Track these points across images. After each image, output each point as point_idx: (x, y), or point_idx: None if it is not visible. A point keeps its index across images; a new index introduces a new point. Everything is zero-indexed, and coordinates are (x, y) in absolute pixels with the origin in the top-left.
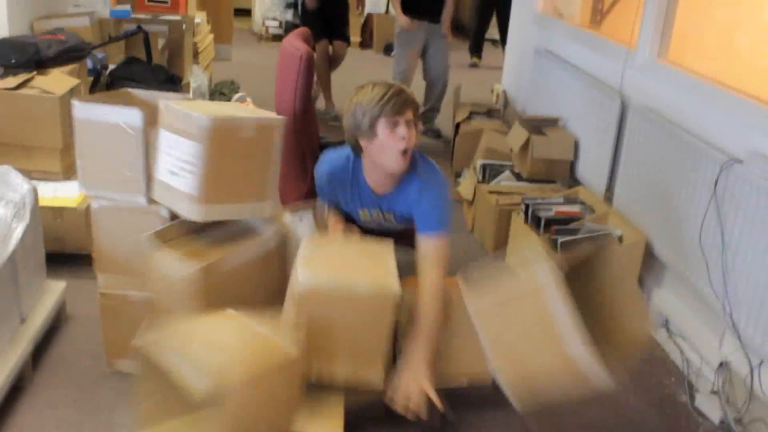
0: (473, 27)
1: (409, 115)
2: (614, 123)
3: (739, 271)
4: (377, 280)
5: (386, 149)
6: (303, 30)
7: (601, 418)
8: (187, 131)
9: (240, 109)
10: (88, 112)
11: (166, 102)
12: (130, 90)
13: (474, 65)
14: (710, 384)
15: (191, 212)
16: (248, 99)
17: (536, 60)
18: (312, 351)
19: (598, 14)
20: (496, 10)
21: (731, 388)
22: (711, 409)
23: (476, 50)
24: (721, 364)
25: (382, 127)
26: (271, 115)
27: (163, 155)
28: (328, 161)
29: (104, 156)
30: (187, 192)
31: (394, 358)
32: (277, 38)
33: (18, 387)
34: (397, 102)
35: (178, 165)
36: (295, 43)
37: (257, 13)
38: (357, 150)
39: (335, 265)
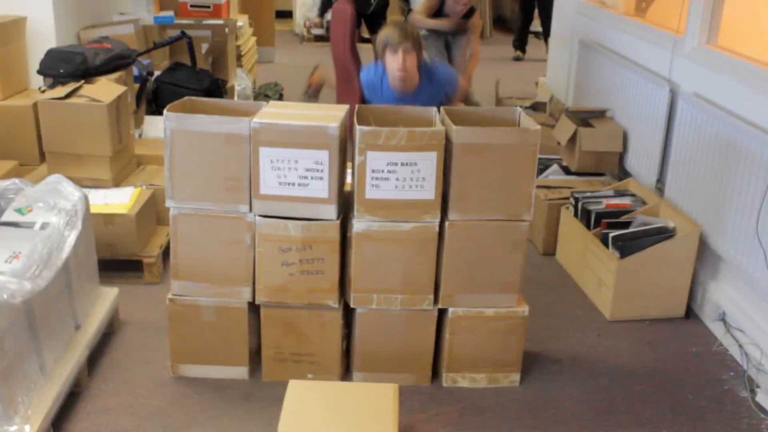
0: (517, 20)
1: (407, 45)
2: (664, 112)
3: None
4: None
5: (390, 71)
6: None
7: (659, 414)
8: (310, 143)
9: (313, 108)
10: (184, 123)
11: (264, 121)
12: (193, 98)
13: (518, 59)
14: None
15: (327, 213)
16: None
17: (581, 51)
18: None
19: (643, 2)
20: (538, 2)
21: None
22: None
23: (520, 44)
24: None
25: (387, 54)
26: None
27: (278, 171)
28: (366, 71)
29: (202, 167)
30: (320, 197)
31: None
32: (319, 39)
33: (74, 393)
34: (396, 35)
35: (302, 175)
36: (343, 6)
37: (298, 15)
38: (383, 63)
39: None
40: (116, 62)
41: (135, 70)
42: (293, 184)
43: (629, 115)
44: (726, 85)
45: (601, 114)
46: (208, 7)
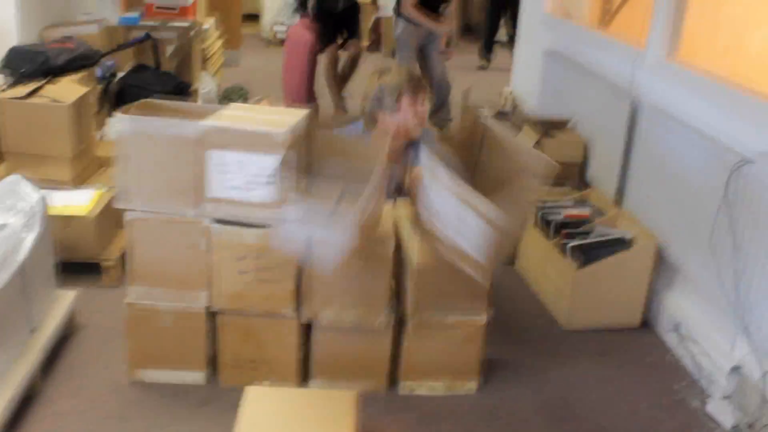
0: (483, 29)
1: (423, 94)
2: (625, 124)
3: (750, 273)
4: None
5: (405, 121)
6: (307, 21)
7: (613, 424)
8: (258, 147)
9: (272, 112)
10: (136, 125)
11: (211, 124)
12: (151, 100)
13: (482, 68)
14: (722, 389)
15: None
16: (264, 99)
17: (545, 62)
18: None
19: (607, 15)
20: (505, 11)
21: (743, 393)
22: (723, 414)
23: (486, 53)
24: (733, 369)
25: (405, 101)
26: None
27: (225, 174)
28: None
29: (152, 169)
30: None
31: None
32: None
33: (28, 397)
34: (416, 83)
35: (251, 180)
36: (301, 31)
37: (266, 18)
38: (371, 125)
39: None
40: (79, 62)
41: (98, 71)
42: (241, 189)
43: (591, 126)
44: (686, 99)
45: (563, 125)
46: (175, 9)
